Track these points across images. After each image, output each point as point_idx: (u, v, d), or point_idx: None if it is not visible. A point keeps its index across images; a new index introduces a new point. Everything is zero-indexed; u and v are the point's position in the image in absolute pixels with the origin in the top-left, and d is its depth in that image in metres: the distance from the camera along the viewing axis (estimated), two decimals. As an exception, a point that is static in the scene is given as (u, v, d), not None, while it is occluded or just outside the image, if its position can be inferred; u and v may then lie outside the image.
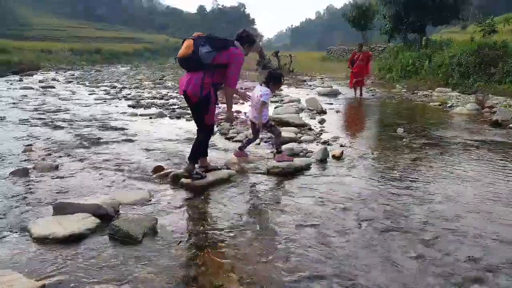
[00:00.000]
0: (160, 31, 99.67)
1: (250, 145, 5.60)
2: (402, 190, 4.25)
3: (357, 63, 13.15)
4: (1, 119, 8.07)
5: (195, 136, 4.70)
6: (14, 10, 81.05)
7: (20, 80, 18.72)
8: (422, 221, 3.46)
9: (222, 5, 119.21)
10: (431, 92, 13.89)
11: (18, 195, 3.94)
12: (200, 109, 4.38)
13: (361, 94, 13.38)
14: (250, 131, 6.76)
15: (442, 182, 4.53)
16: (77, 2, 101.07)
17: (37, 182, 4.37)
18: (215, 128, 7.26)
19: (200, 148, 4.62)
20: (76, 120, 8.24)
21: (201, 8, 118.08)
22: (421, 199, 3.99)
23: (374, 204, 3.84)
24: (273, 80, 5.22)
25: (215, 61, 4.20)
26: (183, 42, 4.30)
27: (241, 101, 5.62)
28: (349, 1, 45.79)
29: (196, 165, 4.58)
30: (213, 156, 5.57)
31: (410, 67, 18.45)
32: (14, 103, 10.59)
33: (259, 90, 5.13)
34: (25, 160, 5.20)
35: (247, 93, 5.50)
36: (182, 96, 4.58)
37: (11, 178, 4.48)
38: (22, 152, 5.63)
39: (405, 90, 15.15)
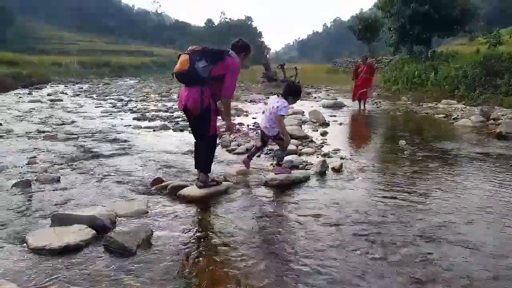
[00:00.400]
0: (168, 44, 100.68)
1: (258, 153, 5.60)
2: (398, 203, 4.25)
3: (361, 75, 13.10)
4: (8, 132, 8.19)
5: (196, 149, 4.75)
6: (27, 24, 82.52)
7: (29, 93, 18.99)
8: (417, 235, 3.46)
9: (230, 19, 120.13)
10: (437, 104, 13.89)
11: (18, 207, 4.00)
12: (202, 121, 4.41)
13: (364, 107, 13.28)
14: (252, 142, 6.85)
15: (440, 195, 4.52)
16: (87, 16, 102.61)
17: (38, 193, 4.44)
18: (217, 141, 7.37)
19: (210, 157, 4.67)
20: (81, 133, 8.35)
21: (209, 22, 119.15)
22: (417, 212, 3.98)
23: (369, 217, 3.84)
24: (293, 94, 5.21)
25: (212, 74, 4.24)
26: (178, 57, 4.34)
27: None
28: (356, 13, 45.95)
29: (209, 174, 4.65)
30: (212, 168, 5.62)
31: (415, 79, 18.47)
32: (21, 116, 10.75)
33: (276, 101, 5.10)
34: (28, 172, 5.28)
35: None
36: (182, 111, 4.61)
37: (13, 189, 4.55)
38: (26, 164, 5.72)
39: (410, 102, 15.15)
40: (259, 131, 5.41)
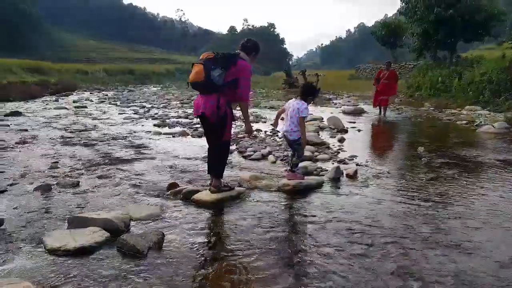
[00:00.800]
0: (191, 52, 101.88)
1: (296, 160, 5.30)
2: (411, 210, 4.23)
3: (382, 81, 12.85)
4: (33, 138, 8.47)
5: (209, 154, 4.83)
6: (55, 34, 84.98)
7: (56, 100, 19.55)
8: (429, 242, 3.44)
9: (252, 26, 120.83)
10: (460, 111, 13.67)
11: (38, 209, 4.16)
12: (218, 128, 4.48)
13: (384, 115, 13.03)
14: (268, 149, 6.92)
15: (455, 202, 4.48)
16: (114, 25, 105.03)
17: (57, 197, 4.60)
18: (233, 147, 7.47)
19: (224, 162, 4.78)
20: (103, 139, 8.56)
21: (232, 29, 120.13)
22: (430, 219, 3.96)
23: (381, 224, 3.84)
24: (311, 94, 5.27)
25: (226, 80, 4.30)
26: (192, 65, 4.41)
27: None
28: (381, 18, 45.66)
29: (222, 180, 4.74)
30: (226, 173, 5.71)
31: (439, 85, 18.20)
32: (46, 123, 11.09)
33: (295, 104, 5.13)
34: (49, 177, 5.46)
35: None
36: (198, 118, 4.71)
37: (35, 193, 4.73)
38: (48, 169, 5.92)
39: (433, 109, 14.95)
40: (282, 137, 5.33)
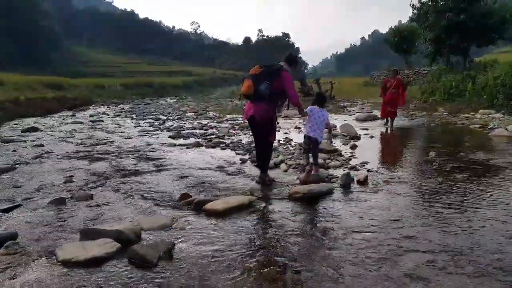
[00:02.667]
0: (207, 63, 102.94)
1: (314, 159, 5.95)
2: (420, 215, 4.21)
3: (390, 90, 11.87)
4: (49, 153, 8.66)
5: (257, 152, 5.78)
6: (73, 49, 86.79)
7: (73, 115, 19.92)
8: (439, 249, 3.43)
9: (267, 36, 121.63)
10: (474, 115, 13.51)
11: (52, 223, 4.26)
12: (266, 129, 5.48)
13: (391, 127, 11.92)
14: (281, 157, 6.97)
15: (465, 207, 4.44)
16: (130, 39, 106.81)
17: (71, 210, 4.70)
18: (246, 156, 7.54)
19: (268, 159, 5.80)
20: (117, 152, 8.71)
21: (247, 39, 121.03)
22: (440, 225, 3.94)
23: (390, 230, 3.84)
24: (324, 101, 6.16)
25: (272, 90, 5.26)
26: (243, 80, 5.39)
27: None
28: (395, 25, 45.41)
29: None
30: (239, 182, 5.80)
31: (453, 90, 18.03)
32: (63, 137, 11.32)
33: (321, 113, 5.79)
34: (64, 190, 5.59)
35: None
36: (247, 120, 5.66)
37: (49, 206, 4.85)
38: (63, 183, 6.05)
39: (446, 113, 14.81)
40: (307, 141, 5.91)
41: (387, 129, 11.74)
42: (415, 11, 23.70)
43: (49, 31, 72.99)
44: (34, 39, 66.78)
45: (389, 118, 12.11)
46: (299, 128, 11.69)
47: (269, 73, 5.29)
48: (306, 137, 5.90)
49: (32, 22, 67.66)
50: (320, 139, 5.85)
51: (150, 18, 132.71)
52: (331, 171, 6.27)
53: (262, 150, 5.67)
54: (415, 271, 3.02)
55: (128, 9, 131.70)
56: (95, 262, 3.24)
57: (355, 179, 5.62)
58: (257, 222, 4.19)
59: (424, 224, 3.96)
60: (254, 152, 7.88)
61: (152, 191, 5.50)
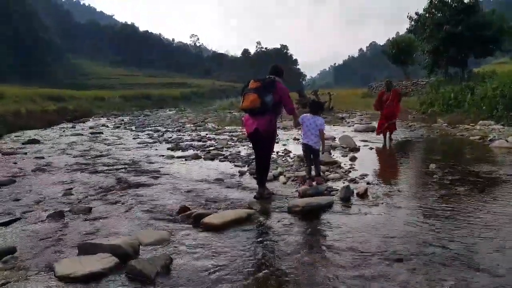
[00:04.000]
0: (206, 75, 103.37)
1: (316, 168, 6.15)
2: (420, 229, 4.19)
3: (387, 103, 10.89)
4: (48, 165, 8.65)
5: (256, 165, 5.77)
6: (73, 62, 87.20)
7: (73, 127, 19.94)
8: (441, 264, 3.41)
9: (265, 48, 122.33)
10: (474, 126, 13.52)
11: (50, 237, 4.24)
12: (270, 142, 5.57)
13: (390, 141, 11.13)
14: (279, 169, 6.94)
15: (466, 220, 4.42)
16: (130, 51, 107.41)
17: (70, 224, 4.68)
18: (245, 168, 7.53)
19: (267, 173, 5.79)
20: (116, 164, 8.69)
21: (246, 52, 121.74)
22: (440, 239, 3.92)
23: (391, 244, 3.82)
24: (320, 109, 6.36)
25: (273, 102, 5.32)
26: (243, 95, 5.38)
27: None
28: (393, 37, 45.79)
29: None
30: (237, 194, 5.79)
31: (452, 101, 18.09)
32: (63, 149, 11.31)
33: (312, 120, 5.96)
34: (63, 203, 5.57)
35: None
36: (249, 134, 5.62)
37: (48, 220, 4.83)
38: (62, 195, 6.03)
39: (446, 124, 14.83)
40: (303, 148, 6.16)
41: (384, 144, 10.85)
42: (413, 23, 23.88)
43: (49, 44, 73.47)
44: (34, 52, 67.17)
45: (387, 134, 11.15)
46: (298, 139, 11.68)
47: (268, 86, 5.36)
48: (302, 144, 6.19)
49: (33, 35, 68.12)
50: (316, 146, 5.97)
51: (150, 31, 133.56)
52: (330, 184, 6.25)
53: (261, 163, 5.66)
54: None
55: (129, 22, 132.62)
56: (93, 278, 3.21)
57: (355, 192, 5.61)
58: (256, 236, 4.16)
59: (425, 240, 3.94)
60: (254, 164, 7.92)
61: (150, 204, 5.48)
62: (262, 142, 5.53)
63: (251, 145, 10.60)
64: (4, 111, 19.53)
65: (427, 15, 22.72)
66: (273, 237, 4.11)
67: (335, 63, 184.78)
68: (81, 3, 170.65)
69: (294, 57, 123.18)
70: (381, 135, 11.23)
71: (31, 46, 67.06)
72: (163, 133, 15.61)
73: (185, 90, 66.57)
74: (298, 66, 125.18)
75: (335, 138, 11.62)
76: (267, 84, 5.38)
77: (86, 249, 3.64)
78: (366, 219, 4.57)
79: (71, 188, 6.44)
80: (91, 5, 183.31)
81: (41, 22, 74.77)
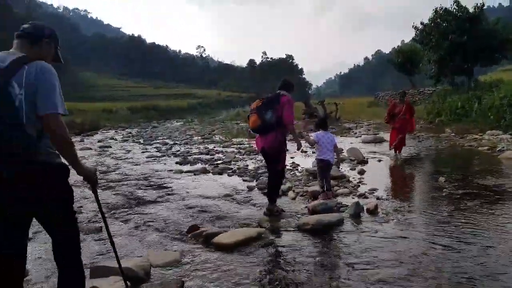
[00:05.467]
0: (212, 86, 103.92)
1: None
2: (432, 247, 4.16)
3: (400, 116, 10.41)
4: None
5: (268, 181, 5.83)
6: (81, 74, 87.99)
7: (82, 140, 20.06)
8: (453, 282, 3.38)
9: (271, 58, 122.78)
10: (482, 136, 13.45)
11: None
12: (276, 158, 5.55)
13: (400, 155, 10.64)
14: (288, 184, 6.96)
15: (477, 237, 4.39)
16: (137, 63, 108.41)
17: (81, 244, 4.69)
18: (253, 183, 7.52)
19: (277, 189, 5.78)
20: (126, 180, 8.74)
21: (251, 62, 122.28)
22: (451, 258, 3.89)
23: (401, 264, 3.79)
24: (326, 124, 6.66)
25: (277, 118, 5.32)
26: (248, 117, 5.56)
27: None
28: (398, 45, 45.78)
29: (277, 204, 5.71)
30: (247, 211, 5.79)
31: (459, 110, 18.04)
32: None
33: (327, 136, 6.29)
34: (73, 222, 5.59)
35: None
36: (260, 152, 5.78)
37: (59, 240, 4.85)
38: (73, 214, 6.06)
39: (454, 134, 14.77)
40: (320, 165, 6.30)
41: (396, 157, 10.48)
42: (418, 32, 23.93)
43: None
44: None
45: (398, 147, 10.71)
46: (306, 151, 11.68)
47: (270, 102, 5.43)
48: (318, 160, 6.26)
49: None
50: (332, 160, 6.23)
51: (157, 42, 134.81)
52: (339, 199, 6.24)
53: (273, 178, 5.69)
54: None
55: (136, 34, 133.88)
56: (106, 302, 3.22)
57: (365, 207, 5.58)
58: (267, 256, 4.15)
59: (437, 258, 3.91)
60: (262, 179, 7.93)
61: (160, 222, 5.50)
62: (270, 159, 5.62)
63: (259, 159, 10.78)
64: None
65: (432, 24, 22.76)
66: (284, 258, 4.10)
67: (340, 72, 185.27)
68: (89, 16, 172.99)
69: (299, 67, 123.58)
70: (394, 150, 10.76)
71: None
72: (171, 146, 15.67)
73: (191, 101, 66.95)
74: (303, 76, 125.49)
75: (342, 150, 11.59)
76: (268, 100, 5.48)
77: (98, 271, 3.66)
78: (378, 237, 4.53)
79: (81, 206, 6.47)
80: (98, 18, 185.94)
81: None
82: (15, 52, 2.50)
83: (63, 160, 2.53)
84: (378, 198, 6.23)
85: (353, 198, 6.32)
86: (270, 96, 5.57)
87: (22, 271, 2.68)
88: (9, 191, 2.32)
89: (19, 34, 2.58)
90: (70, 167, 2.58)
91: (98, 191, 3.06)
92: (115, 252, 3.13)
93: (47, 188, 2.44)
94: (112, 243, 3.10)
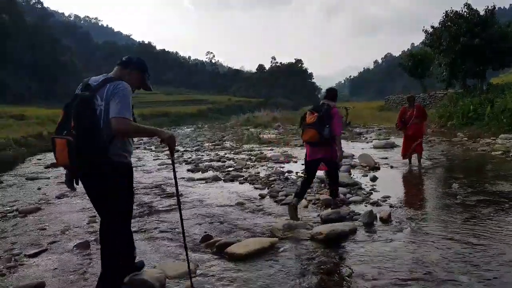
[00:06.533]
0: (222, 91, 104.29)
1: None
2: (445, 257, 4.13)
3: (411, 122, 9.80)
4: (72, 191, 8.79)
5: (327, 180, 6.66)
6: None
7: (93, 148, 20.22)
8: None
9: (280, 63, 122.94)
10: (495, 140, 13.32)
11: (78, 269, 4.30)
12: (334, 166, 6.14)
13: (419, 162, 10.00)
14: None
15: (492, 247, 4.35)
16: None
17: (96, 254, 4.74)
18: (265, 191, 7.53)
19: (337, 184, 6.32)
20: (138, 188, 8.79)
21: (261, 67, 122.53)
22: (466, 268, 3.86)
23: (416, 274, 3.77)
24: None
25: (331, 133, 5.73)
26: (303, 130, 5.96)
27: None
28: (408, 48, 45.50)
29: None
30: (259, 220, 5.80)
31: (471, 114, 17.89)
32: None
33: None
34: (88, 232, 5.66)
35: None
36: (309, 161, 6.10)
37: (74, 250, 4.91)
38: (87, 223, 6.14)
39: (466, 139, 14.64)
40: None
41: (410, 168, 9.88)
42: (428, 36, 23.80)
43: (69, 65, 75.33)
44: (53, 74, 68.96)
45: (412, 154, 10.09)
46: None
47: (326, 118, 5.76)
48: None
49: (54, 59, 69.97)
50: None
51: (167, 49, 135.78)
52: (352, 207, 6.23)
53: (332, 176, 6.26)
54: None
55: (146, 42, 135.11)
56: (122, 314, 3.25)
57: (378, 216, 5.56)
58: (281, 267, 4.14)
59: (452, 268, 3.88)
60: (274, 187, 7.94)
61: (173, 231, 5.53)
62: (330, 164, 6.09)
63: (270, 166, 10.83)
64: (27, 133, 20.00)
65: (442, 28, 22.64)
66: (298, 268, 4.10)
67: (350, 76, 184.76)
68: (99, 24, 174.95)
69: (309, 71, 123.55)
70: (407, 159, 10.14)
71: (50, 68, 68.85)
72: (182, 153, 15.74)
73: (201, 107, 67.24)
74: (313, 80, 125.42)
75: (353, 156, 11.57)
76: (323, 116, 5.76)
77: (133, 284, 3.68)
78: (392, 247, 4.51)
79: (95, 216, 6.53)
80: (109, 26, 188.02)
81: (62, 46, 76.84)
82: (107, 75, 3.40)
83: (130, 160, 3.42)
84: (391, 206, 6.20)
85: (365, 206, 6.31)
86: (322, 110, 5.84)
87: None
88: (88, 181, 3.24)
89: (117, 62, 3.52)
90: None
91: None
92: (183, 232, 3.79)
93: (112, 180, 3.16)
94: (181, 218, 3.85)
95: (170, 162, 4.54)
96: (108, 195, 3.21)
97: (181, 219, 3.81)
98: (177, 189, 3.93)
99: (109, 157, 3.08)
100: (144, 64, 3.62)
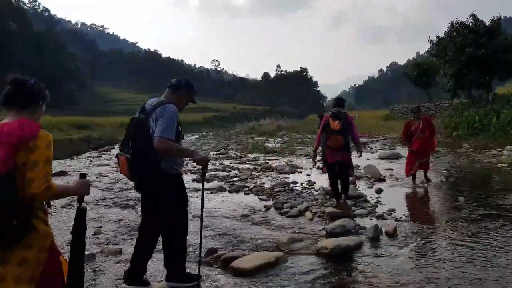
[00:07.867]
0: (227, 99, 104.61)
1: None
2: (451, 273, 4.11)
3: (416, 135, 8.98)
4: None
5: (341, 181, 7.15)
6: (98, 89, 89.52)
7: (99, 156, 20.32)
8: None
9: (285, 71, 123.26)
10: (501, 151, 13.26)
11: (84, 282, 4.31)
12: (349, 165, 7.16)
13: (426, 178, 9.31)
14: (305, 204, 7.00)
15: (500, 263, 4.33)
16: (153, 77, 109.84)
17: (102, 267, 4.76)
18: (270, 202, 7.53)
19: (348, 185, 7.25)
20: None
21: (266, 75, 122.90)
22: (473, 284, 3.84)
23: (422, 290, 3.76)
24: None
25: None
26: (331, 135, 6.69)
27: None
28: (413, 57, 45.55)
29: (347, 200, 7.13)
30: (264, 233, 5.79)
31: (477, 124, 17.83)
32: (90, 182, 11.52)
33: None
34: (93, 244, 5.67)
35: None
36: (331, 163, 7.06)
37: (80, 263, 4.91)
38: (93, 234, 6.15)
39: (472, 150, 14.58)
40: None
41: (414, 187, 9.06)
42: (434, 46, 23.83)
43: (75, 73, 75.96)
44: (59, 80, 69.52)
45: (416, 174, 9.26)
46: (321, 168, 11.63)
47: (347, 127, 6.72)
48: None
49: (61, 66, 70.56)
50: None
51: (172, 57, 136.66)
52: (358, 220, 6.21)
53: (343, 178, 7.15)
54: None
55: (152, 49, 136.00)
56: (128, 330, 3.25)
57: (383, 230, 5.55)
58: (285, 282, 4.14)
59: (459, 285, 3.86)
60: (279, 198, 7.94)
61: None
62: (344, 165, 6.99)
63: (275, 176, 10.83)
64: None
65: (448, 38, 22.68)
66: (303, 284, 4.09)
67: (355, 84, 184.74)
68: (106, 31, 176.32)
69: (314, 79, 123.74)
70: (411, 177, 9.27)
71: (56, 74, 69.42)
72: (187, 162, 15.73)
73: (207, 115, 67.37)
74: (318, 88, 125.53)
75: (358, 166, 11.54)
76: (346, 125, 6.67)
77: None
78: (398, 262, 4.50)
79: (100, 227, 6.56)
80: (115, 33, 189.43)
81: (68, 54, 77.50)
82: (160, 98, 3.87)
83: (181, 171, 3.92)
84: (396, 220, 6.19)
85: (371, 219, 6.29)
86: (342, 118, 6.69)
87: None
88: (142, 192, 3.83)
89: (167, 85, 3.95)
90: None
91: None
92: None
93: (161, 193, 3.66)
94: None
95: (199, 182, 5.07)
96: (158, 207, 3.74)
97: (200, 239, 4.41)
98: (202, 210, 4.51)
99: (161, 169, 3.53)
100: (191, 85, 4.02)
